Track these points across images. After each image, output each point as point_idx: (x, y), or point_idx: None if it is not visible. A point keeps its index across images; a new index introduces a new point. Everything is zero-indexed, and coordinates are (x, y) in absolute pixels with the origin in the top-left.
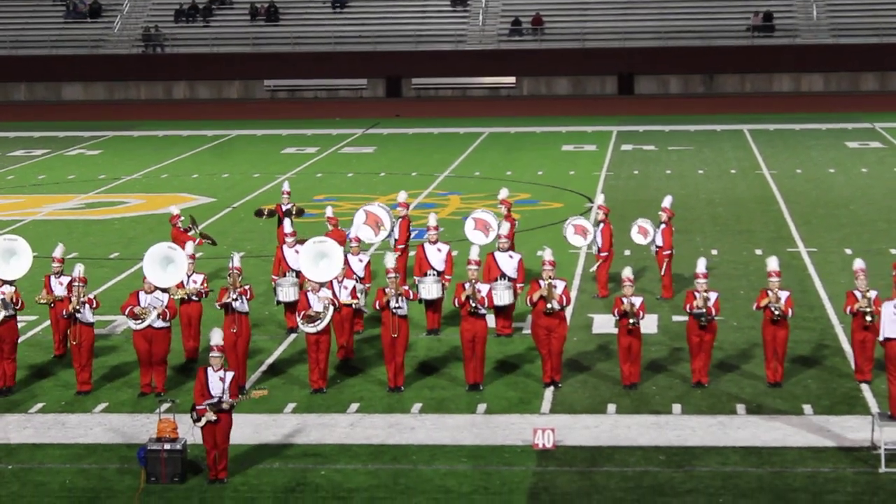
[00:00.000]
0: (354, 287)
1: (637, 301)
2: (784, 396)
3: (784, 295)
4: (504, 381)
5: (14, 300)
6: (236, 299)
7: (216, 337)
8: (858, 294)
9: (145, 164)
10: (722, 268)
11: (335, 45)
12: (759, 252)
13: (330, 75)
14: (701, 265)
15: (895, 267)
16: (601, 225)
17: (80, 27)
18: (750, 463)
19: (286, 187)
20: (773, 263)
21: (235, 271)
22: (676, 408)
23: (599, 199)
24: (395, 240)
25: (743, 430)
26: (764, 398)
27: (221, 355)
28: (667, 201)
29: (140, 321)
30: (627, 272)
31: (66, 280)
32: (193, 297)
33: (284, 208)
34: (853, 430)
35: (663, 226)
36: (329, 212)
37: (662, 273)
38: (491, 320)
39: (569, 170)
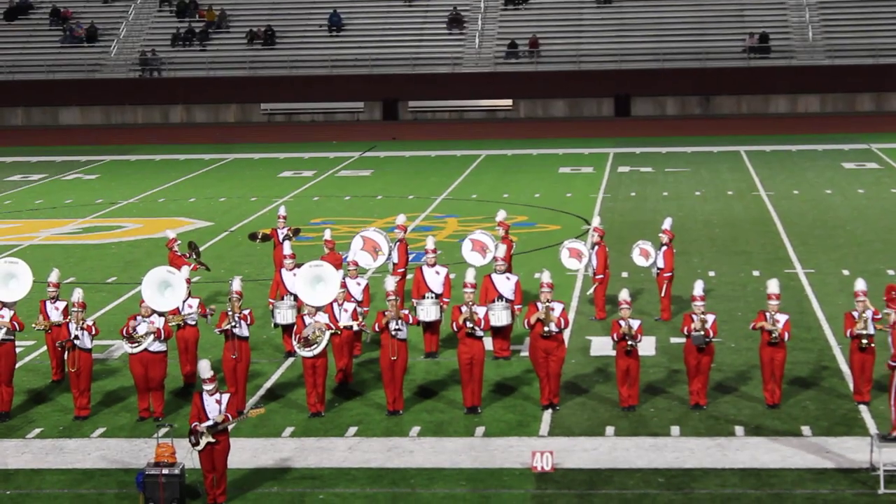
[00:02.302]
0: (355, 309)
1: (635, 324)
2: (783, 418)
3: (783, 318)
4: (502, 404)
5: (11, 327)
6: (236, 325)
7: (205, 371)
8: (856, 315)
9: (142, 189)
10: (719, 289)
11: (332, 69)
12: (756, 273)
13: (327, 98)
14: (698, 288)
15: (888, 292)
16: (596, 247)
17: (77, 52)
18: (749, 485)
19: (282, 211)
20: (773, 286)
21: (235, 296)
22: (675, 430)
23: (595, 221)
24: (395, 263)
25: (742, 451)
26: (762, 420)
27: (214, 385)
28: (667, 223)
29: (136, 344)
30: (625, 295)
31: (61, 305)
32: (189, 322)
33: (281, 233)
34: (852, 451)
35: (664, 248)
36: (327, 234)
37: (662, 295)
38: (489, 343)
39: (566, 192)
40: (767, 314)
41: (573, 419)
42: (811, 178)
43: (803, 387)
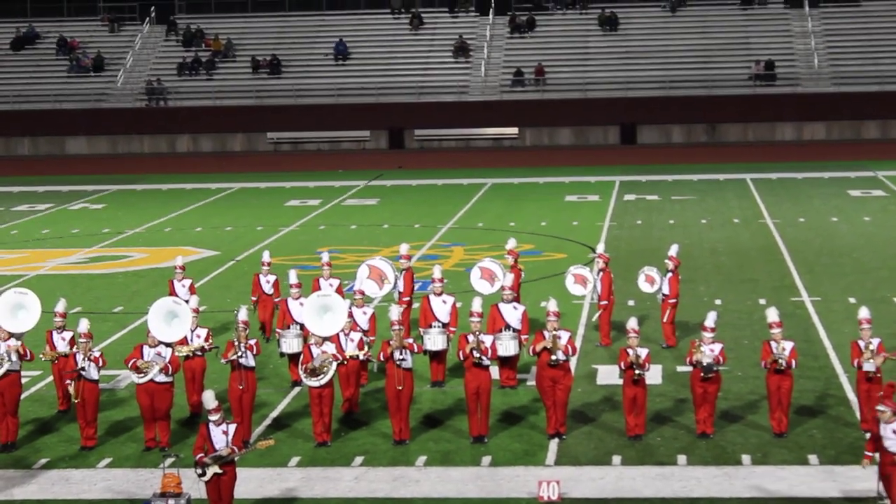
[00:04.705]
0: (361, 339)
1: (643, 353)
2: (789, 446)
3: (789, 345)
4: (509, 433)
5: (21, 353)
6: (242, 355)
7: (210, 402)
8: (862, 344)
9: (149, 218)
10: (726, 317)
11: (338, 98)
12: (762, 301)
13: (333, 127)
14: (710, 319)
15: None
16: (601, 273)
17: (84, 81)
18: None
19: (266, 258)
20: (772, 315)
21: (241, 325)
22: (682, 458)
23: (600, 247)
24: (400, 292)
25: (749, 480)
26: (769, 448)
27: (220, 415)
28: (673, 250)
29: (142, 375)
30: (633, 323)
31: (68, 335)
32: (197, 353)
33: (265, 280)
34: (859, 479)
35: (670, 274)
36: (325, 257)
37: (664, 320)
38: (495, 372)
39: (572, 220)
40: (773, 343)
41: (580, 448)
42: (817, 205)
43: (810, 415)
